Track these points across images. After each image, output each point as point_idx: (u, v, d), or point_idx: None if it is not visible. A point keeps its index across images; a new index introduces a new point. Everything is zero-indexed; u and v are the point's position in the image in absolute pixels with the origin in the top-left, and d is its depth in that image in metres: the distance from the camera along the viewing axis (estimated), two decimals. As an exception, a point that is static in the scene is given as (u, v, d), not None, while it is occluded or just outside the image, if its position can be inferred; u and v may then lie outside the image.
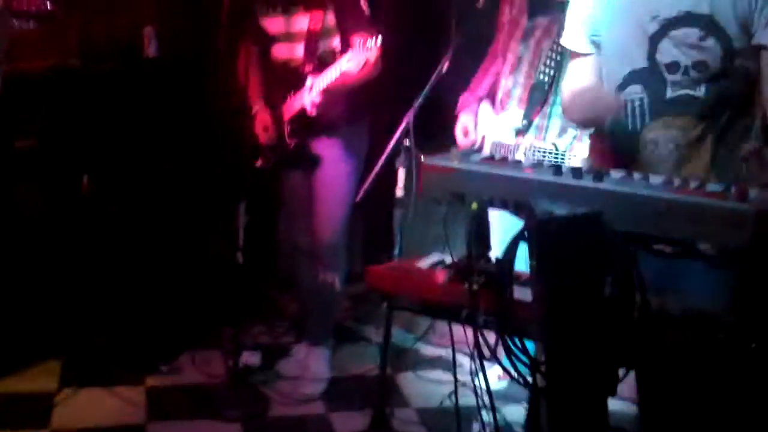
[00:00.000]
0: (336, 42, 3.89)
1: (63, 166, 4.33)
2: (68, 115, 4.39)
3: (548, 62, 3.62)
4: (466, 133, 3.83)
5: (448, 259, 2.46)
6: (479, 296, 2.04)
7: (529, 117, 3.65)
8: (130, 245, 4.40)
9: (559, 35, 3.58)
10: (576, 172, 1.96)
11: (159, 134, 4.64)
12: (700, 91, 2.24)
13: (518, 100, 3.73)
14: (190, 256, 4.57)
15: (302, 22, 3.88)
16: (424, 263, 2.44)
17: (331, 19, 3.87)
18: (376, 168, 3.57)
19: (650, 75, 2.29)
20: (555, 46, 3.61)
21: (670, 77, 2.26)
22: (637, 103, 2.33)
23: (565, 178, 1.95)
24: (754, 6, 2.12)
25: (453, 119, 4.04)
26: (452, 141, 3.90)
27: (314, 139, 4.01)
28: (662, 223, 1.83)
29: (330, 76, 3.76)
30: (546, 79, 3.62)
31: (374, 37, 3.64)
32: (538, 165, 2.07)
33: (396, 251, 3.73)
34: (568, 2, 3.61)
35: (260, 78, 4.15)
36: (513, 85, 3.76)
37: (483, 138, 3.73)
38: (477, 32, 3.94)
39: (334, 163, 3.99)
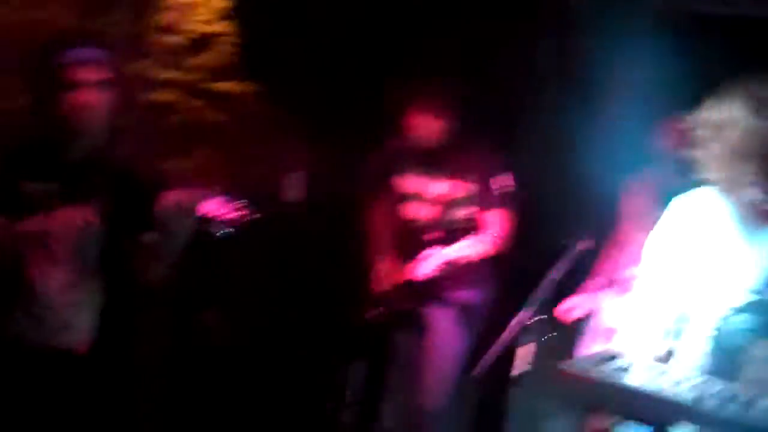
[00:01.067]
0: (466, 212, 3.92)
1: (191, 299, 4.41)
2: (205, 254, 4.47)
3: None
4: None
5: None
6: None
7: None
8: (234, 385, 4.39)
9: None
10: (721, 398, 1.89)
11: (288, 280, 4.71)
12: None
13: None
14: (297, 412, 4.51)
15: (440, 187, 3.94)
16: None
17: (468, 189, 3.91)
18: (500, 343, 3.51)
19: (758, 307, 2.25)
20: None
21: None
22: (740, 328, 2.27)
23: (708, 404, 1.88)
24: None
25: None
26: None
27: (428, 305, 4.00)
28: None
29: (451, 253, 3.81)
30: None
31: (506, 216, 3.77)
32: (678, 384, 1.99)
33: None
34: None
35: (391, 232, 4.14)
36: None
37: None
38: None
39: (445, 332, 3.96)
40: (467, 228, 3.92)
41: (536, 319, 3.56)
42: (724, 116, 2.06)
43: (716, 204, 2.26)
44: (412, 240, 3.98)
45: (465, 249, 3.78)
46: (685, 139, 3.56)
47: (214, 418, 4.30)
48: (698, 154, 2.11)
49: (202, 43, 4.83)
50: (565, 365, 2.03)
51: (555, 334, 3.95)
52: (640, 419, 1.92)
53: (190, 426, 4.23)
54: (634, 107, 4.59)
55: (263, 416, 4.40)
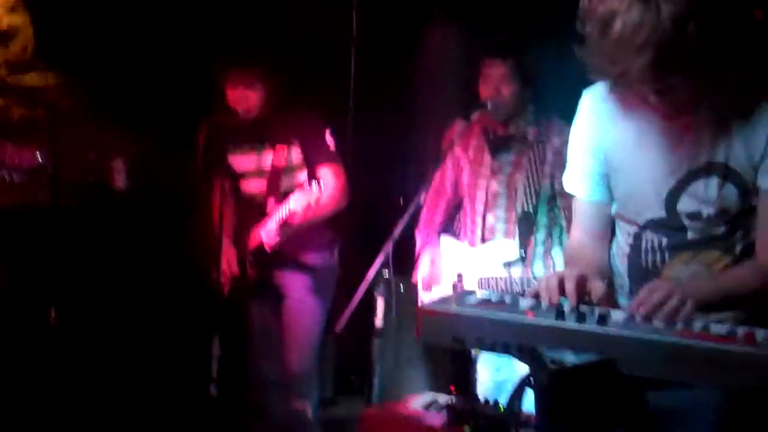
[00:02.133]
0: (302, 177, 3.94)
1: (31, 299, 4.24)
2: (38, 249, 4.32)
3: (528, 194, 3.67)
4: (433, 268, 3.89)
5: (442, 399, 2.41)
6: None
7: (525, 248, 3.69)
8: (98, 378, 4.28)
9: (531, 168, 3.70)
10: (580, 315, 1.92)
11: (129, 267, 4.59)
12: (720, 230, 2.23)
13: (504, 233, 3.76)
14: (161, 390, 4.46)
15: (269, 158, 3.95)
16: (417, 404, 2.38)
17: (296, 155, 3.93)
18: (355, 298, 3.56)
19: (669, 223, 2.26)
20: (530, 179, 3.67)
21: (690, 224, 2.23)
22: (655, 246, 2.30)
23: (568, 321, 1.91)
24: (764, 151, 2.12)
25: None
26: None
27: (280, 272, 4.03)
28: (671, 367, 1.79)
29: (280, 213, 3.80)
30: (530, 209, 3.67)
31: (336, 170, 3.85)
32: (537, 307, 2.02)
33: (376, 382, 3.66)
34: (528, 139, 3.74)
35: (231, 213, 4.15)
36: (495, 220, 3.80)
37: (460, 275, 3.75)
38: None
39: (300, 295, 4.01)
40: None
41: (384, 273, 3.61)
42: (609, 7, 1.93)
43: (612, 104, 2.20)
44: (256, 215, 3.97)
45: (284, 209, 3.76)
46: (501, 87, 3.73)
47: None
48: (586, 51, 2.02)
49: (-2, 37, 4.59)
50: (424, 305, 2.02)
51: (401, 285, 4.02)
52: (504, 346, 1.93)
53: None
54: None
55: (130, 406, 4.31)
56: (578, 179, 2.43)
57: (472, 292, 2.13)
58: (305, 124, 3.97)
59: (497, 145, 3.87)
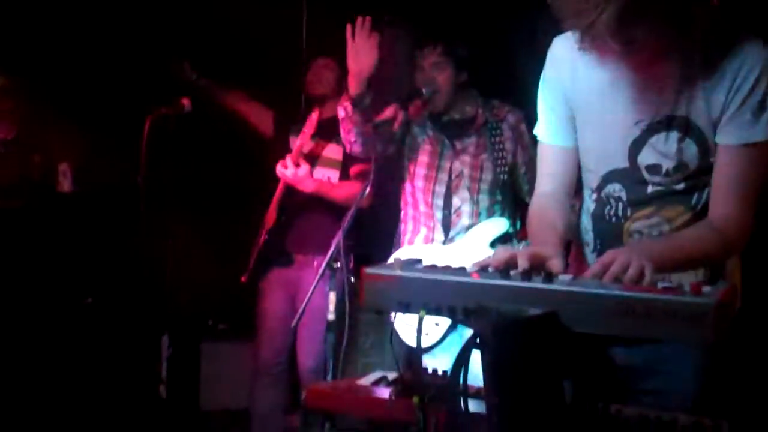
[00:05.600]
0: (333, 176, 4.30)
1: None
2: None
3: (497, 169, 3.70)
4: None
5: (391, 376, 2.35)
6: (430, 410, 1.93)
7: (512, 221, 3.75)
8: (44, 380, 4.18)
9: (492, 148, 3.72)
10: (525, 274, 1.89)
11: (75, 269, 4.51)
12: (681, 186, 2.23)
13: (469, 214, 3.78)
14: (110, 389, 4.36)
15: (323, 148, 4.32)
16: (366, 381, 2.32)
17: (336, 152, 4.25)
18: (310, 291, 3.55)
19: (631, 174, 2.27)
20: (497, 154, 3.69)
21: (650, 178, 2.24)
22: (617, 200, 2.29)
23: (514, 280, 1.88)
24: (724, 107, 2.14)
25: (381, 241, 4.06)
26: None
27: (303, 258, 4.27)
28: (617, 321, 1.76)
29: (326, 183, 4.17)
30: (504, 178, 3.74)
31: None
32: (484, 269, 1.99)
33: (329, 377, 3.61)
34: (477, 120, 3.76)
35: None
36: (460, 203, 3.80)
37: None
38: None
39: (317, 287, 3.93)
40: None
41: (334, 266, 3.57)
42: None
43: (582, 52, 2.18)
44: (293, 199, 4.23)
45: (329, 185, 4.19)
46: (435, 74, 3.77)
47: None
48: (555, 3, 2.02)
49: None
50: (367, 270, 1.97)
51: (353, 279, 3.97)
52: (450, 309, 1.89)
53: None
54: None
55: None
56: (546, 124, 2.44)
57: (418, 260, 2.09)
58: None
59: (452, 134, 3.88)
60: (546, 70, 2.42)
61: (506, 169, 3.78)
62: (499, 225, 3.82)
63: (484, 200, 3.81)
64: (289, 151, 4.24)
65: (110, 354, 4.47)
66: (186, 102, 4.28)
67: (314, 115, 4.19)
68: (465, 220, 3.82)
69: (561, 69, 2.36)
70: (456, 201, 3.84)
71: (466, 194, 3.82)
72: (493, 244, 3.77)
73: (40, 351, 4.30)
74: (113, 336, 4.50)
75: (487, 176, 3.81)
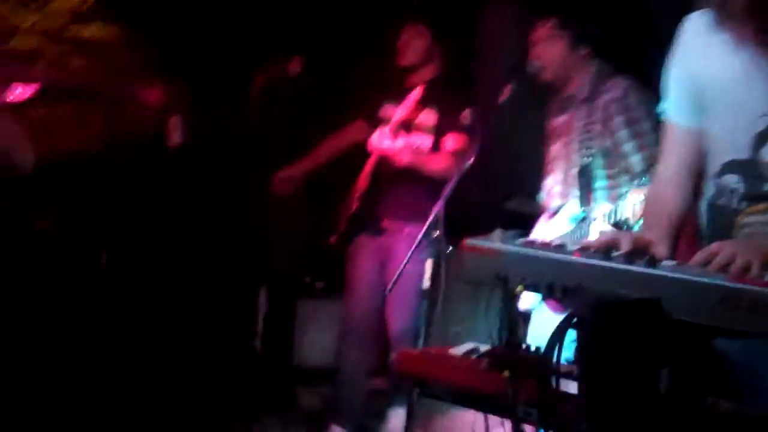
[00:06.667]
0: (426, 141, 4.26)
1: (82, 243, 4.28)
2: (90, 197, 4.36)
3: (584, 150, 3.61)
4: None
5: (483, 348, 2.35)
6: (521, 386, 1.92)
7: (586, 202, 3.61)
8: (146, 325, 4.31)
9: (581, 130, 3.62)
10: (627, 257, 1.86)
11: (182, 218, 4.61)
12: None
13: (560, 194, 3.72)
14: (207, 341, 4.47)
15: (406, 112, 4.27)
16: (458, 350, 2.32)
17: (430, 118, 4.22)
18: (406, 259, 3.56)
19: (751, 167, 2.18)
20: (584, 135, 3.60)
21: None
22: (733, 191, 2.23)
23: (616, 262, 1.85)
24: None
25: (479, 213, 4.04)
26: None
27: (393, 225, 4.29)
28: (720, 312, 1.72)
29: (422, 156, 4.15)
30: (588, 161, 3.61)
31: (462, 141, 4.07)
32: (586, 249, 1.96)
33: (420, 343, 3.64)
34: (588, 101, 3.64)
35: (333, 146, 4.58)
36: (552, 183, 3.75)
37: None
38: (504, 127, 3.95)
39: (406, 259, 3.91)
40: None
41: (432, 236, 3.58)
42: None
43: (715, 35, 2.11)
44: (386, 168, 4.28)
45: (426, 158, 4.18)
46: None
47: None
48: None
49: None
50: (468, 242, 1.97)
51: (451, 249, 3.96)
52: (548, 287, 1.87)
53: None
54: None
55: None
56: (672, 102, 2.37)
57: (519, 234, 2.08)
58: (448, 92, 4.26)
59: (552, 108, 3.83)
60: (676, 47, 2.34)
61: (591, 152, 3.63)
62: (573, 207, 3.73)
63: (572, 182, 3.72)
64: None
65: (209, 306, 4.57)
66: (296, 62, 4.31)
67: (418, 91, 4.16)
68: (555, 201, 3.76)
69: (693, 48, 2.28)
70: (549, 182, 3.79)
71: (559, 175, 3.76)
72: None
73: (144, 294, 4.42)
74: (215, 286, 4.59)
75: (574, 158, 3.70)
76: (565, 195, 3.72)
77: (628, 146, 3.54)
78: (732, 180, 2.21)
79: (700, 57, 2.27)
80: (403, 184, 4.26)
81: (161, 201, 4.56)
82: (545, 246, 2.00)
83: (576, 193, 3.64)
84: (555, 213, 3.78)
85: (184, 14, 4.91)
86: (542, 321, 3.51)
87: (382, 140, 4.14)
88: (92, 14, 4.75)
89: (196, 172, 4.77)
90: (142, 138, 4.71)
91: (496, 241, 1.98)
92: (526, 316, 3.61)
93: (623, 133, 3.54)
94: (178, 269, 4.53)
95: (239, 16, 4.92)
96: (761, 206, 2.17)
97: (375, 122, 4.40)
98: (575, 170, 3.65)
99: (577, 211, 3.64)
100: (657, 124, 2.52)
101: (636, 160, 3.53)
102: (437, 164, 4.13)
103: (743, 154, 2.18)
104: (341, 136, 4.59)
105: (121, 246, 4.41)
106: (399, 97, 4.34)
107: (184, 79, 4.73)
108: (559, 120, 3.78)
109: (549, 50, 3.72)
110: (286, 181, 4.42)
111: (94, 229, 4.33)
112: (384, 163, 4.21)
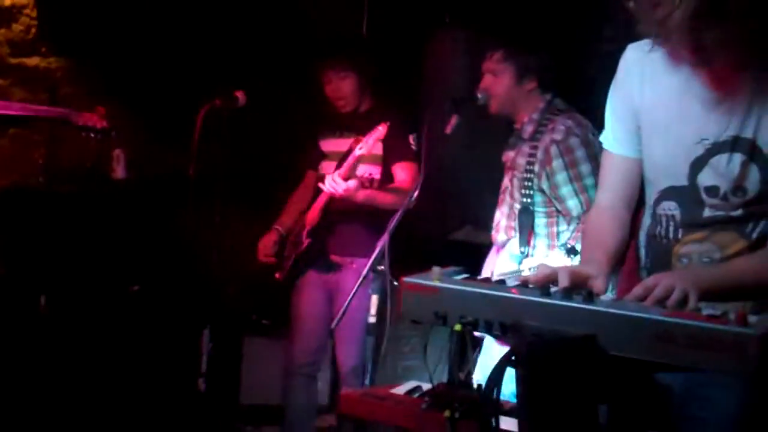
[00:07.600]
0: (375, 172, 4.22)
1: (21, 286, 4.19)
2: (28, 234, 4.28)
3: (524, 189, 3.59)
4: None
5: (426, 386, 2.33)
6: (460, 426, 1.90)
7: (525, 243, 3.59)
8: (86, 367, 4.22)
9: (523, 166, 3.61)
10: (565, 292, 1.85)
11: (124, 255, 4.54)
12: (737, 213, 2.15)
13: (505, 228, 3.68)
14: (150, 381, 4.39)
15: (352, 144, 4.15)
16: (400, 390, 2.30)
17: (377, 148, 4.13)
18: (351, 293, 3.51)
19: (689, 194, 2.19)
20: (525, 175, 3.59)
21: (708, 200, 2.16)
22: (670, 219, 2.23)
23: (554, 298, 1.84)
24: None
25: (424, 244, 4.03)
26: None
27: (341, 260, 4.25)
28: (657, 347, 1.71)
29: (375, 191, 4.13)
30: (528, 201, 3.58)
31: (412, 170, 4.10)
32: (523, 285, 1.95)
33: (367, 381, 3.59)
34: (535, 137, 3.64)
35: (299, 203, 4.48)
36: (499, 217, 3.73)
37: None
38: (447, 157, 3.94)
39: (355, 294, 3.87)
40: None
41: (378, 269, 3.54)
42: None
43: (653, 62, 2.15)
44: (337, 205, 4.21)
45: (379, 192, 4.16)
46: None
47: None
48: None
49: (1, 16, 4.57)
50: (406, 279, 1.95)
51: (395, 283, 3.93)
52: (486, 324, 1.86)
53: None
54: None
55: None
56: (612, 132, 2.38)
57: (458, 271, 2.06)
58: (393, 120, 4.10)
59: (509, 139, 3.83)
60: (616, 77, 2.36)
61: (530, 192, 3.57)
62: (515, 246, 3.70)
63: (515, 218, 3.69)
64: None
65: (153, 342, 4.49)
66: (240, 95, 4.28)
67: (381, 129, 4.11)
68: (501, 236, 3.74)
69: (631, 76, 2.30)
70: (497, 215, 3.77)
71: (505, 209, 3.74)
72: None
73: (84, 336, 4.34)
74: (157, 325, 4.51)
75: (516, 195, 3.65)
76: (509, 230, 3.69)
77: (565, 189, 3.52)
78: (669, 207, 2.22)
79: (636, 84, 2.29)
80: (353, 219, 4.23)
81: (102, 237, 4.48)
82: (484, 282, 1.99)
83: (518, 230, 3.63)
84: (502, 246, 3.76)
85: (128, 46, 4.87)
86: (492, 350, 3.49)
87: (335, 185, 4.04)
88: (35, 45, 4.71)
89: (139, 207, 4.71)
90: (83, 171, 4.66)
91: (434, 278, 1.97)
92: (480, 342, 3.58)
93: (562, 177, 3.52)
94: (120, 308, 4.45)
95: (184, 49, 4.90)
96: (698, 235, 2.18)
97: (319, 159, 4.37)
98: (518, 207, 3.63)
99: (517, 252, 3.62)
100: (599, 165, 2.53)
101: (573, 204, 3.52)
102: (391, 198, 4.09)
103: (681, 180, 2.19)
104: (300, 195, 4.52)
105: (61, 287, 4.31)
106: (340, 128, 4.32)
107: (128, 111, 4.69)
108: (510, 154, 3.76)
109: (495, 82, 3.70)
110: (267, 249, 4.36)
111: (33, 270, 4.24)
112: (335, 199, 4.17)
